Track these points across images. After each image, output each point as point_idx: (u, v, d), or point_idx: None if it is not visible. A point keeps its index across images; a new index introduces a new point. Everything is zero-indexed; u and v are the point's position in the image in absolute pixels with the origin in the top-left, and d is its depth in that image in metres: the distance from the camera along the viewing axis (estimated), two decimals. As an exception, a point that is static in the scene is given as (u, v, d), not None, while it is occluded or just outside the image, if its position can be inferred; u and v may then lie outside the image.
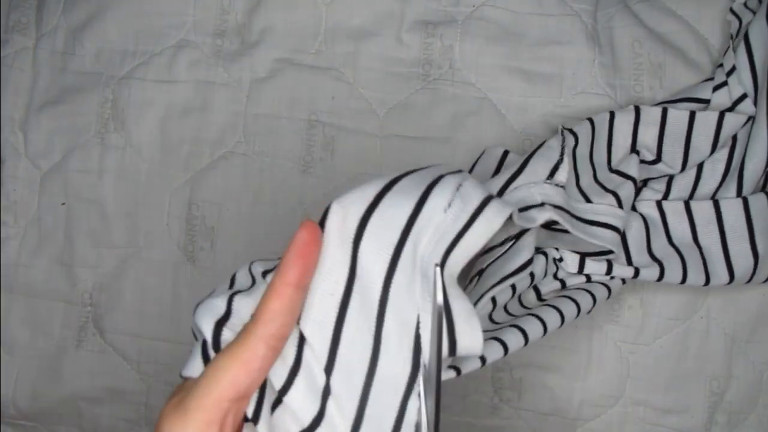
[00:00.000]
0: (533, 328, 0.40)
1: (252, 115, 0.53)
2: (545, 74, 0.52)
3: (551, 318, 0.41)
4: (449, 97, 0.52)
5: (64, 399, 0.54)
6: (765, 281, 0.47)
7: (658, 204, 0.47)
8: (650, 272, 0.46)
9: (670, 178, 0.48)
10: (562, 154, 0.40)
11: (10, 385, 0.54)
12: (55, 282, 0.54)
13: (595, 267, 0.45)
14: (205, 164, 0.54)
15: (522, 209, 0.38)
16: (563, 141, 0.41)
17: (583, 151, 0.45)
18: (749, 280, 0.47)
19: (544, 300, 0.46)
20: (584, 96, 0.51)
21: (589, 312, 0.45)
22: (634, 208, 0.48)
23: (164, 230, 0.54)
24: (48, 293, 0.54)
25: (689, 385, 0.50)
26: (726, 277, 0.46)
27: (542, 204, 0.38)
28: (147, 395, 0.53)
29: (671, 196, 0.48)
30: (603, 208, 0.43)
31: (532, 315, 0.41)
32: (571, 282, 0.46)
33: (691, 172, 0.47)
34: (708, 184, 0.47)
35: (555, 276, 0.46)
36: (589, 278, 0.46)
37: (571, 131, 0.44)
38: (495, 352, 0.37)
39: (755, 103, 0.47)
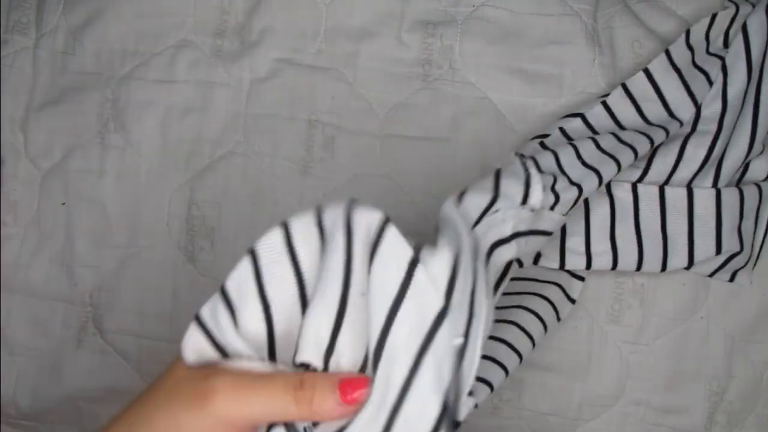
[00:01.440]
0: (510, 359, 0.43)
1: (252, 115, 0.53)
2: (545, 74, 0.52)
3: (522, 343, 0.44)
4: (449, 97, 0.52)
5: (64, 399, 0.54)
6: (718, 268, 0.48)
7: (633, 187, 0.47)
8: (603, 261, 0.47)
9: (651, 158, 0.48)
10: (527, 169, 0.38)
11: (10, 385, 0.54)
12: (55, 282, 0.54)
13: (550, 257, 0.47)
14: (205, 164, 0.54)
15: (494, 244, 0.36)
16: (525, 163, 0.39)
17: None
18: (712, 273, 0.48)
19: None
20: (584, 96, 0.51)
21: (558, 319, 0.47)
22: (608, 189, 0.48)
23: (164, 230, 0.54)
24: (48, 293, 0.54)
25: (689, 385, 0.50)
26: (684, 263, 0.47)
27: (511, 237, 0.37)
28: (147, 395, 0.53)
29: (648, 177, 0.47)
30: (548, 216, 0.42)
31: (502, 341, 0.43)
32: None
33: (672, 154, 0.47)
34: (688, 167, 0.47)
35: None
36: (536, 260, 0.48)
37: (542, 147, 0.42)
38: (482, 393, 0.39)
39: (745, 95, 0.47)
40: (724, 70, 0.46)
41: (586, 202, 0.48)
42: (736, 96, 0.46)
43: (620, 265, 0.47)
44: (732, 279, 0.49)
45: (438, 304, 0.28)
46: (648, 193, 0.47)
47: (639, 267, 0.47)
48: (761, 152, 0.48)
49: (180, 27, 0.55)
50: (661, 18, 0.52)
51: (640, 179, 0.47)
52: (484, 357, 0.42)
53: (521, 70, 0.52)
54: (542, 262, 0.47)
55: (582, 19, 0.52)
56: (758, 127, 0.46)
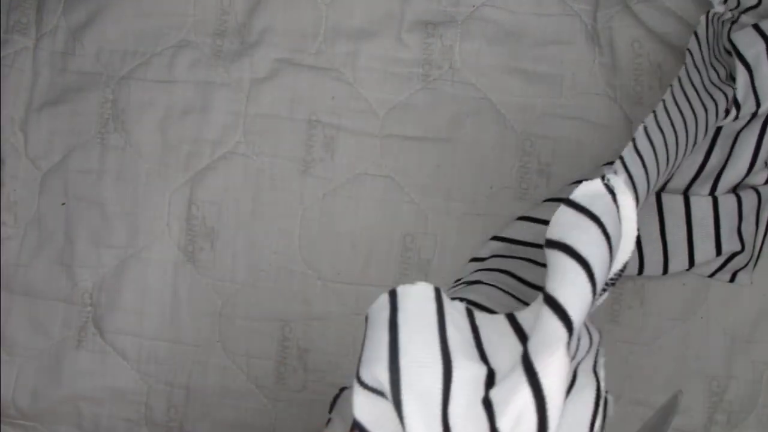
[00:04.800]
0: None
1: (252, 115, 0.53)
2: (545, 74, 0.52)
3: None
4: (449, 97, 0.52)
5: (64, 399, 0.54)
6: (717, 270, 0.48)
7: None
8: None
9: None
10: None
11: (10, 385, 0.54)
12: (55, 282, 0.54)
13: None
14: (205, 164, 0.54)
15: None
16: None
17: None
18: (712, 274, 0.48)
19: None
20: (584, 96, 0.51)
21: None
22: None
23: (164, 230, 0.54)
24: (48, 293, 0.54)
25: (689, 385, 0.50)
26: (685, 265, 0.47)
27: None
28: (147, 395, 0.53)
29: None
30: None
31: None
32: None
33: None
34: (683, 174, 0.46)
35: None
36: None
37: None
38: None
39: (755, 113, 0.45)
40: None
41: None
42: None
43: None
44: (732, 279, 0.49)
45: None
46: (645, 200, 0.47)
47: (640, 272, 0.47)
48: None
49: (180, 27, 0.55)
50: (661, 18, 0.52)
51: None
52: None
53: (521, 70, 0.52)
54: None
55: (582, 19, 0.52)
56: (761, 150, 0.45)
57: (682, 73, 0.41)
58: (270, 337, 0.52)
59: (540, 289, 0.39)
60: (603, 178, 0.26)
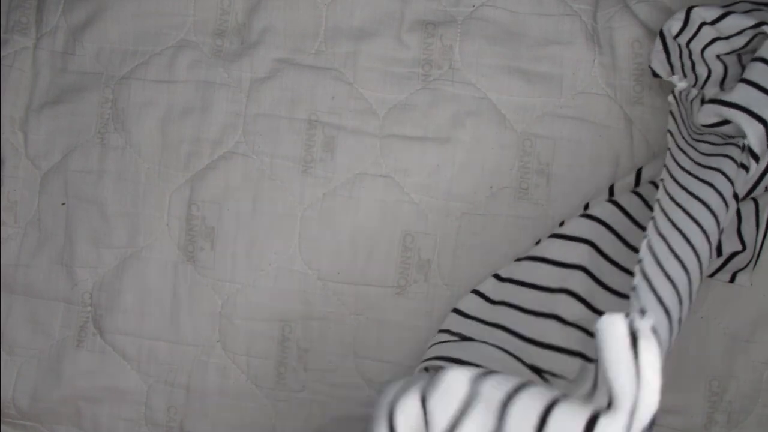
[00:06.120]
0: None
1: (252, 115, 0.53)
2: (545, 74, 0.52)
3: None
4: (449, 97, 0.52)
5: (64, 399, 0.54)
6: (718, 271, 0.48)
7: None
8: None
9: (639, 170, 0.48)
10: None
11: (10, 385, 0.54)
12: (55, 282, 0.54)
13: None
14: (205, 164, 0.54)
15: None
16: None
17: None
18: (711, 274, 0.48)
19: None
20: (584, 96, 0.51)
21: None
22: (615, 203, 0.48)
23: (164, 230, 0.54)
24: (48, 293, 0.54)
25: (689, 385, 0.50)
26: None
27: None
28: (147, 395, 0.53)
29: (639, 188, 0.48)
30: None
31: None
32: None
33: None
34: None
35: None
36: None
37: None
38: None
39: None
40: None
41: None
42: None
43: None
44: (732, 280, 0.49)
45: None
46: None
47: None
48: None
49: (180, 27, 0.55)
50: (661, 18, 0.51)
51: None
52: None
53: (521, 70, 0.52)
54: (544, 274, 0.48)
55: (582, 19, 0.52)
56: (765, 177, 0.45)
57: (669, 161, 0.40)
58: (270, 337, 0.52)
59: (537, 343, 0.45)
60: (627, 315, 0.24)
